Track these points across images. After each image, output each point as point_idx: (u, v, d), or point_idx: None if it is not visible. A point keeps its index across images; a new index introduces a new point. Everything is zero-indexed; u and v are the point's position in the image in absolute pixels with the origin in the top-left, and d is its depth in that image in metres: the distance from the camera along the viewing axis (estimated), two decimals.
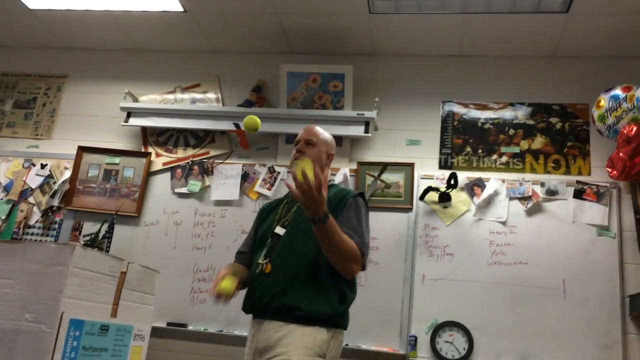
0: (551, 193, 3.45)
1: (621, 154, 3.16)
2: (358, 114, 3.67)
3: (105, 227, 3.63)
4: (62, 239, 3.81)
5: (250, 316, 2.18)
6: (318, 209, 1.84)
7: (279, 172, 3.78)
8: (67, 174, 3.97)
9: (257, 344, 2.04)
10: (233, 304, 3.63)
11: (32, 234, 3.90)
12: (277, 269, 2.07)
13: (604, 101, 3.29)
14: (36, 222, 3.92)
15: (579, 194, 3.42)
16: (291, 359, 1.91)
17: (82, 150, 4.00)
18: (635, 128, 3.09)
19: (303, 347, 1.94)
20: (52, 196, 3.93)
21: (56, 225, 3.89)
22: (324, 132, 2.35)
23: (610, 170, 3.30)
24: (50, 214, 3.92)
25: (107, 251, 3.53)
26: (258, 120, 2.31)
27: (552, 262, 3.33)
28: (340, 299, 2.06)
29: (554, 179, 3.50)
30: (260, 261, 2.13)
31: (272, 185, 3.76)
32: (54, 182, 3.99)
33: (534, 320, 3.24)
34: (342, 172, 3.66)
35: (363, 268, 2.08)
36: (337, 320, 2.05)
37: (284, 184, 3.73)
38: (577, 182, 3.44)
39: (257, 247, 2.24)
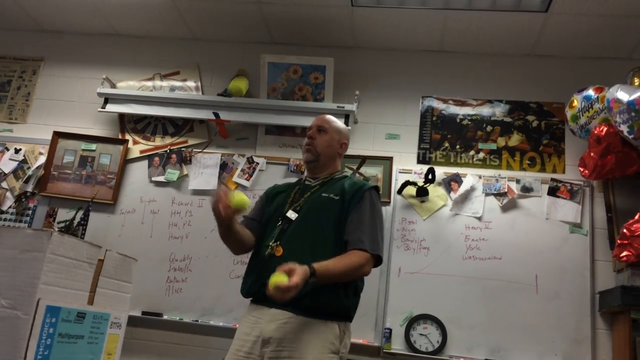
0: (526, 190, 3.51)
1: (592, 154, 3.22)
2: (338, 107, 3.68)
3: (80, 214, 3.58)
4: (35, 225, 3.75)
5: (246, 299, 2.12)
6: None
7: (258, 163, 3.77)
8: (42, 160, 3.90)
9: (262, 332, 1.94)
10: (210, 294, 3.59)
11: (5, 219, 3.82)
12: (289, 253, 1.99)
13: (577, 101, 3.35)
14: (9, 207, 3.85)
15: (553, 192, 3.49)
16: (306, 358, 1.86)
17: (58, 135, 3.94)
18: (605, 128, 3.15)
19: (317, 345, 1.90)
20: (26, 181, 3.86)
21: (30, 211, 3.83)
22: (337, 121, 2.33)
23: (582, 170, 3.36)
24: (23, 199, 3.85)
25: (82, 239, 3.48)
26: (244, 200, 2.08)
27: (525, 257, 3.39)
28: (354, 290, 2.04)
29: (529, 176, 3.56)
30: (270, 243, 2.05)
31: (251, 175, 3.74)
32: (28, 168, 3.92)
33: (506, 314, 3.30)
34: None
35: (378, 263, 2.04)
36: (349, 313, 2.03)
37: (264, 176, 3.73)
38: (552, 179, 3.51)
39: (264, 227, 2.17)
